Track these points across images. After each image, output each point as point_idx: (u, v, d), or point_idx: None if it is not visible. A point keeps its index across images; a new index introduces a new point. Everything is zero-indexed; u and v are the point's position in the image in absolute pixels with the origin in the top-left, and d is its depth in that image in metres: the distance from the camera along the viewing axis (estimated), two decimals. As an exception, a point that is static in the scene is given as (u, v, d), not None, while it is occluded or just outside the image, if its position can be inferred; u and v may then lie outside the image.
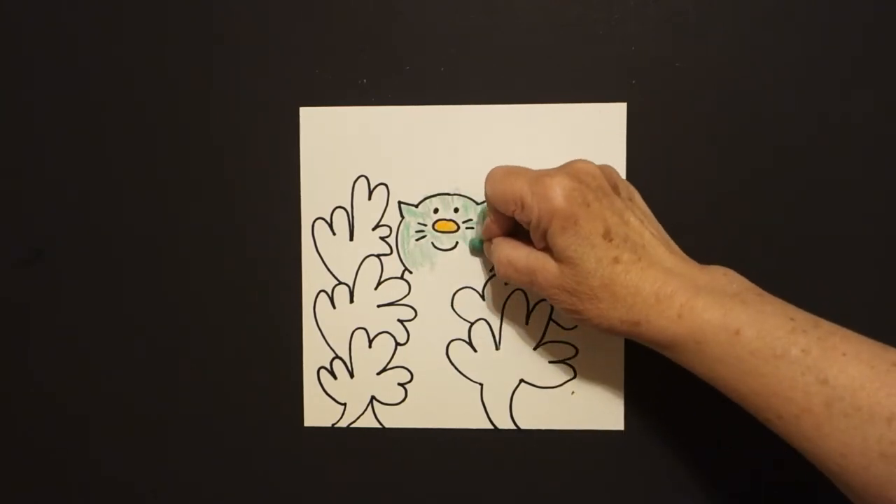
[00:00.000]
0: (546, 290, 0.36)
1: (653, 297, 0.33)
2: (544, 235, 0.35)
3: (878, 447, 0.29)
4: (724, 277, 0.34)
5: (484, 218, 0.40)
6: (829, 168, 0.41)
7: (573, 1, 0.41)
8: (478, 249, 0.42)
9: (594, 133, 0.41)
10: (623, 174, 0.41)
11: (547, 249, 0.35)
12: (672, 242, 0.37)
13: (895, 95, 0.40)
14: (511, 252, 0.37)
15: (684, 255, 0.36)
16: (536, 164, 0.42)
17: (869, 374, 0.29)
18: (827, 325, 0.32)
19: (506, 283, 0.42)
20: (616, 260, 0.33)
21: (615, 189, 0.36)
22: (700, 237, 0.41)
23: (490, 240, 0.39)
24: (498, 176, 0.37)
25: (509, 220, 0.38)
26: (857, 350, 0.30)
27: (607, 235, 0.34)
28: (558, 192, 0.34)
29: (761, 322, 0.31)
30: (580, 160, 0.36)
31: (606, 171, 0.37)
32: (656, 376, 0.42)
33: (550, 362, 0.42)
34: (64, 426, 0.44)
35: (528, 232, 0.36)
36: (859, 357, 0.30)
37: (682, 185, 0.41)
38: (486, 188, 0.37)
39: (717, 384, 0.33)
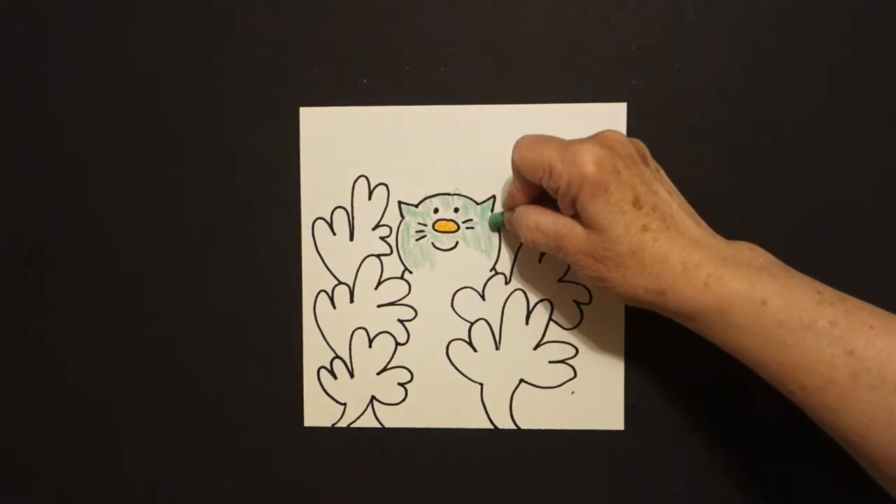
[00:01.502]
0: (573, 255, 0.35)
1: (680, 265, 0.33)
2: (573, 202, 0.34)
3: None
4: (750, 252, 0.34)
5: (508, 186, 0.40)
6: (829, 168, 0.41)
7: (573, 1, 0.41)
8: (496, 224, 0.42)
9: (594, 133, 0.41)
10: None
11: (575, 216, 0.35)
12: (698, 217, 0.37)
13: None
14: (539, 217, 0.37)
15: (710, 228, 0.36)
16: (536, 164, 0.42)
17: None
18: (854, 300, 0.32)
19: (507, 283, 0.42)
20: (645, 228, 0.33)
21: (644, 160, 0.36)
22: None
23: (512, 210, 0.39)
24: (526, 143, 0.37)
25: (534, 189, 0.37)
26: (886, 324, 0.30)
27: (637, 203, 0.34)
28: (588, 159, 0.33)
29: (788, 294, 0.31)
30: (610, 130, 0.36)
31: (636, 143, 0.37)
32: (656, 376, 0.42)
33: (550, 362, 0.42)
34: (62, 426, 0.44)
35: (552, 202, 0.36)
36: (887, 330, 0.30)
37: (683, 185, 0.41)
38: (513, 156, 0.37)
39: (740, 355, 0.33)
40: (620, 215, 0.33)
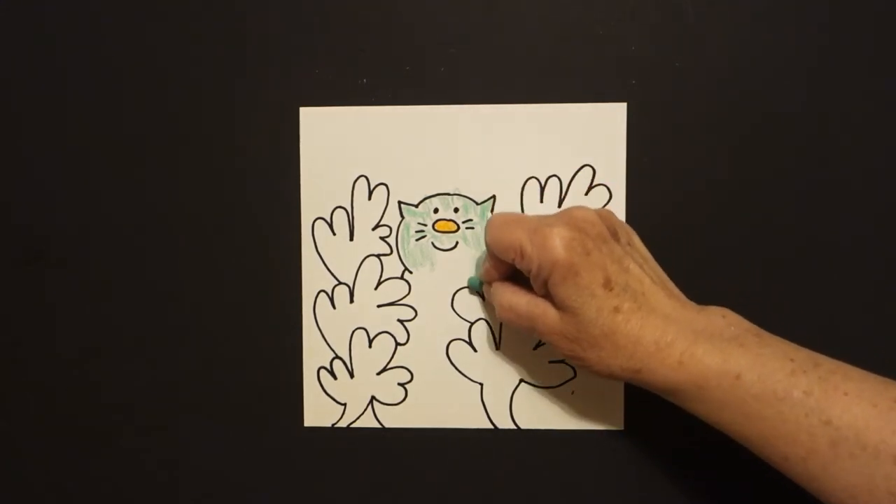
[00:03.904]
0: (547, 336, 0.36)
1: (653, 345, 0.33)
2: (545, 284, 0.35)
3: (885, 485, 0.29)
4: (722, 320, 0.34)
5: (484, 261, 0.40)
6: (830, 168, 0.41)
7: (573, 1, 0.41)
8: (476, 287, 0.42)
9: (594, 133, 0.41)
10: (623, 174, 0.41)
11: (547, 296, 0.35)
12: (670, 284, 0.37)
13: None
14: (512, 298, 0.37)
15: (683, 297, 0.36)
16: (537, 164, 0.42)
17: (872, 413, 0.29)
18: (827, 364, 0.32)
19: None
20: (616, 309, 0.34)
21: (614, 235, 0.36)
22: (701, 237, 0.41)
23: (489, 283, 0.39)
24: (497, 224, 0.37)
25: (508, 266, 0.37)
26: (859, 388, 0.30)
27: (608, 284, 0.34)
28: (558, 243, 0.34)
29: (761, 365, 0.32)
30: (578, 207, 0.36)
31: (604, 215, 0.37)
32: (656, 376, 0.42)
33: (550, 362, 0.42)
34: (60, 427, 0.44)
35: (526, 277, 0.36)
36: (861, 395, 0.30)
37: (683, 185, 0.41)
38: (485, 235, 0.38)
39: (721, 428, 0.33)
40: (591, 298, 0.33)
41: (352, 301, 0.43)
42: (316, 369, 0.43)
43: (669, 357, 0.33)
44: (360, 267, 0.43)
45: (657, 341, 0.33)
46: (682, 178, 0.41)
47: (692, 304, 0.35)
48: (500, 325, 0.43)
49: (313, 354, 0.43)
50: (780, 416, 0.31)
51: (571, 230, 0.34)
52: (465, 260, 0.42)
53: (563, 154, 0.42)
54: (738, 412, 0.32)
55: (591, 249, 0.34)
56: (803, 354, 0.32)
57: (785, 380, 0.31)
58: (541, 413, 0.43)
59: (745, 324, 0.34)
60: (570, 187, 0.42)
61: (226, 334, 0.43)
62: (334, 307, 0.43)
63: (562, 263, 0.33)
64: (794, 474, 0.31)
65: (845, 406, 0.30)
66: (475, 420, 0.43)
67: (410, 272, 0.43)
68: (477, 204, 0.42)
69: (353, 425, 0.43)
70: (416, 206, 0.42)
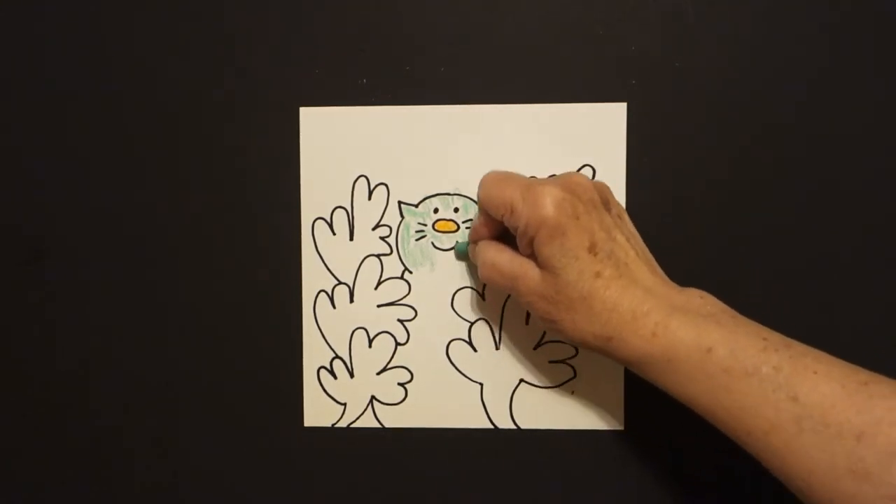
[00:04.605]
0: (525, 296, 0.36)
1: (629, 314, 0.33)
2: (531, 243, 0.35)
3: (846, 464, 0.29)
4: (700, 299, 0.34)
5: (475, 219, 0.40)
6: (830, 168, 0.41)
7: (573, 1, 0.41)
8: (463, 253, 0.42)
9: (594, 133, 0.41)
10: (623, 174, 0.41)
11: (532, 256, 0.35)
12: (655, 264, 0.37)
13: None
14: (496, 255, 0.37)
15: (665, 276, 0.36)
16: (537, 164, 0.42)
17: (839, 393, 0.30)
18: (799, 346, 0.32)
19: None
20: (598, 274, 0.34)
21: (606, 205, 0.36)
22: (700, 237, 0.41)
23: (476, 243, 0.39)
24: (491, 180, 0.37)
25: (498, 225, 0.38)
26: (829, 369, 0.30)
27: (592, 249, 0.34)
28: (548, 202, 0.34)
29: (734, 341, 0.32)
30: (575, 173, 0.36)
31: (599, 186, 0.37)
32: (656, 376, 0.42)
33: (550, 362, 0.42)
34: (60, 427, 0.44)
35: (514, 238, 0.36)
36: (830, 375, 0.30)
37: (683, 185, 0.41)
38: (478, 191, 0.38)
39: (688, 402, 0.33)
40: (574, 260, 0.34)
41: (352, 301, 0.43)
42: (316, 369, 0.43)
43: (643, 327, 0.33)
44: (360, 267, 0.43)
45: (634, 310, 0.33)
46: (682, 178, 0.41)
47: (673, 283, 0.36)
48: (501, 324, 0.43)
49: (313, 354, 0.43)
50: (747, 389, 0.31)
51: (563, 191, 0.34)
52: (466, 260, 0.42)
53: (563, 154, 0.42)
54: (706, 385, 0.32)
55: (580, 213, 0.34)
56: (777, 336, 0.32)
57: (756, 355, 0.31)
58: (541, 413, 0.43)
59: (722, 305, 0.34)
60: (570, 187, 0.42)
61: (226, 334, 0.43)
62: (334, 307, 0.43)
63: (550, 222, 0.34)
64: (756, 450, 0.31)
65: (813, 384, 0.30)
66: (475, 420, 0.43)
67: (410, 272, 0.43)
68: (477, 204, 0.42)
69: (353, 425, 0.43)
70: (416, 206, 0.42)
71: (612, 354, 0.34)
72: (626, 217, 0.38)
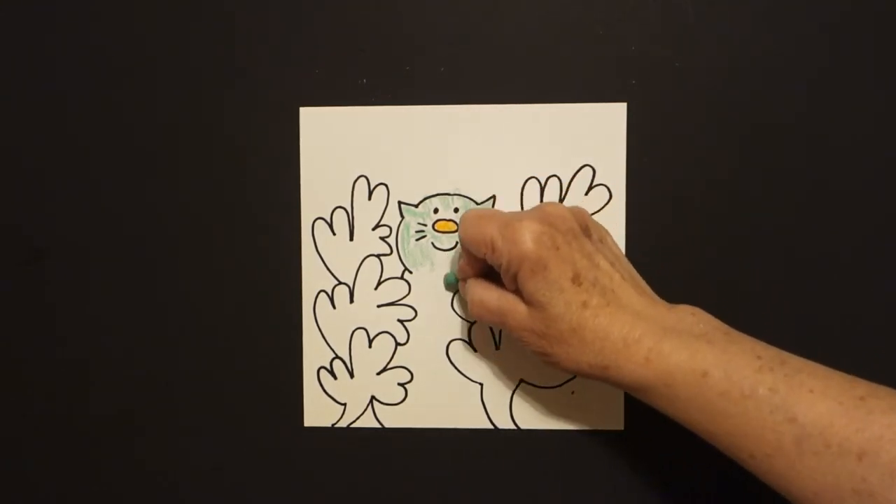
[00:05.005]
0: (516, 331, 0.36)
1: (621, 341, 0.33)
2: (514, 279, 0.35)
3: (849, 484, 0.29)
4: (691, 317, 0.34)
5: (459, 258, 0.40)
6: (830, 168, 0.41)
7: (573, 1, 0.41)
8: (452, 285, 0.42)
9: (594, 133, 0.41)
10: (623, 174, 0.41)
11: (518, 292, 0.35)
12: (641, 282, 0.37)
13: None
14: (483, 293, 0.37)
15: (654, 295, 0.36)
16: (537, 164, 0.42)
17: (837, 411, 0.29)
18: (794, 362, 0.32)
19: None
20: (585, 304, 0.34)
21: (586, 231, 0.36)
22: (700, 237, 0.41)
23: (464, 279, 0.39)
24: (469, 219, 0.37)
25: (482, 263, 0.37)
26: (825, 386, 0.30)
27: (576, 279, 0.34)
28: (527, 237, 0.34)
29: (727, 362, 0.32)
30: (551, 203, 0.36)
31: (577, 213, 0.37)
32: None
33: (550, 362, 0.42)
34: (60, 427, 0.44)
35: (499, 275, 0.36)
36: (826, 393, 0.30)
37: (683, 185, 0.41)
38: (459, 231, 0.38)
39: (688, 425, 0.33)
40: (560, 293, 0.33)
41: (352, 301, 0.43)
42: (316, 369, 0.43)
43: (637, 353, 0.33)
44: (360, 267, 0.43)
45: (625, 337, 0.33)
46: (682, 178, 0.41)
47: (663, 302, 0.35)
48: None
49: (313, 354, 0.43)
50: (745, 413, 0.31)
51: (541, 224, 0.34)
52: (465, 260, 0.43)
53: (563, 154, 0.42)
54: (705, 410, 0.32)
55: (560, 244, 0.34)
56: (771, 352, 0.32)
57: (751, 377, 0.31)
58: (541, 413, 0.43)
59: (715, 322, 0.34)
60: (570, 187, 0.42)
61: (226, 334, 0.43)
62: (334, 307, 0.43)
63: (530, 257, 0.33)
64: (761, 472, 0.31)
65: (810, 403, 0.30)
66: (475, 420, 0.43)
67: (410, 272, 0.43)
68: (477, 204, 0.42)
69: (353, 425, 0.43)
70: (416, 206, 0.42)
71: (611, 382, 0.34)
72: (608, 239, 0.38)
